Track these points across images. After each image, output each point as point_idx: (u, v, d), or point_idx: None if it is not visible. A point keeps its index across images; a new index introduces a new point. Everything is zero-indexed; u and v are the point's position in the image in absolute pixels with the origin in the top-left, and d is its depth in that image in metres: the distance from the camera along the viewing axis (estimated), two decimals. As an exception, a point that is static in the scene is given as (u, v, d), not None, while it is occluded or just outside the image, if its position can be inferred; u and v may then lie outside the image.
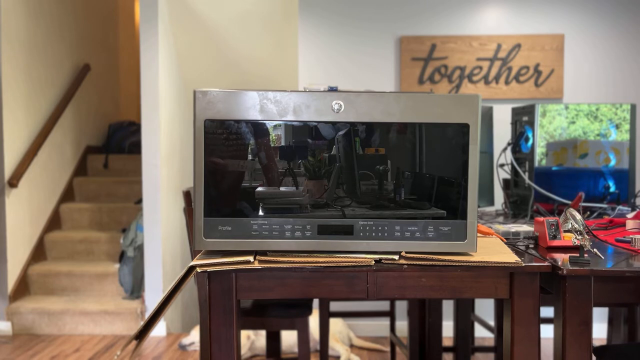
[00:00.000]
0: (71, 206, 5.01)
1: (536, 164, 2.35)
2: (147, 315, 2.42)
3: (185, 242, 4.58)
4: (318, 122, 1.38)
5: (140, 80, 4.19)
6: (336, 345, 3.60)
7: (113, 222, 4.99)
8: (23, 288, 4.41)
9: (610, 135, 2.35)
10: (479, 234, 1.67)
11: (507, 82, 4.04)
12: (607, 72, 4.05)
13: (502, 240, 1.66)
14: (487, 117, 2.55)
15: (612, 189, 2.33)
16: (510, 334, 1.41)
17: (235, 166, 1.39)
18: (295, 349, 3.63)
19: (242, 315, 2.27)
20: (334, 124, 1.38)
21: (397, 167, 1.39)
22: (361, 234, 1.40)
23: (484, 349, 3.34)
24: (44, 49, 4.80)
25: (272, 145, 1.39)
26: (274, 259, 1.38)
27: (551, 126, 2.34)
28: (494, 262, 1.36)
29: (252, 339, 3.59)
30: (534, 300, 1.39)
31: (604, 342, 3.44)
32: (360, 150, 1.39)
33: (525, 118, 2.43)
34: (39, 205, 4.70)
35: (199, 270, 1.35)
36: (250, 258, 1.37)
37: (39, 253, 4.65)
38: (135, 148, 5.71)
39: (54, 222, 4.91)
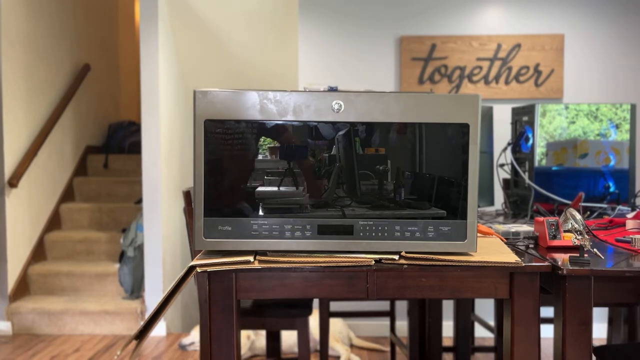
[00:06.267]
0: (71, 206, 5.01)
1: (536, 164, 2.35)
2: (147, 315, 2.42)
3: (185, 242, 4.58)
4: (318, 122, 1.38)
5: (140, 80, 4.20)
6: (336, 345, 3.60)
7: (113, 222, 4.99)
8: (23, 288, 4.41)
9: (610, 135, 2.35)
10: (479, 234, 1.67)
11: (507, 82, 4.04)
12: (607, 72, 4.05)
13: (502, 240, 1.66)
14: (487, 117, 2.55)
15: (612, 189, 2.33)
16: (510, 333, 1.41)
17: (235, 166, 1.39)
18: (295, 349, 3.62)
19: (242, 315, 2.27)
20: (334, 124, 1.38)
21: (397, 167, 1.39)
22: (361, 234, 1.40)
23: (484, 349, 3.34)
24: (44, 49, 4.80)
25: (272, 145, 1.39)
26: (274, 259, 1.38)
27: (551, 126, 2.34)
28: (494, 262, 1.36)
29: (252, 339, 3.59)
30: (534, 300, 1.39)
31: (604, 342, 3.44)
32: (360, 150, 1.39)
33: (525, 118, 2.43)
34: (39, 205, 4.70)
35: (199, 270, 1.35)
36: (250, 258, 1.37)
37: (39, 253, 4.65)
38: (135, 148, 5.71)
39: (54, 222, 4.91)
